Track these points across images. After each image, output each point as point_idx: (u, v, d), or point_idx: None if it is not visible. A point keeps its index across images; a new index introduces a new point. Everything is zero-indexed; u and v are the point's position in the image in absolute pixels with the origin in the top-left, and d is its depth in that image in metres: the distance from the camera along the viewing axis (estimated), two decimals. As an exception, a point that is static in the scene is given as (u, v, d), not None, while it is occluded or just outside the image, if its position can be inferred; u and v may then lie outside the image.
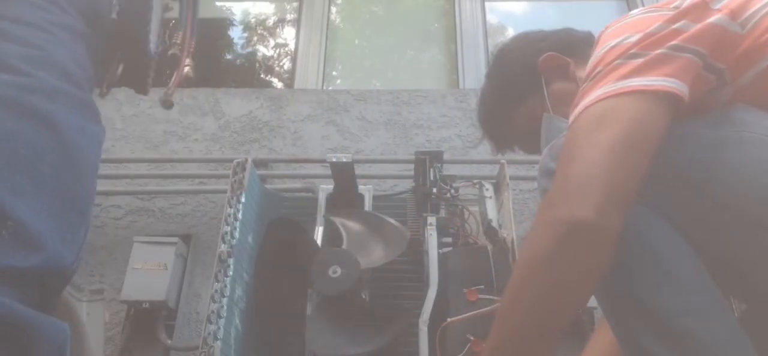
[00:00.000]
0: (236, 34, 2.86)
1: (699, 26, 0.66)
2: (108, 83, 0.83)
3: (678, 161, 0.65)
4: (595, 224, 0.59)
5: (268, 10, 2.89)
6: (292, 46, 2.61)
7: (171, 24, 0.94)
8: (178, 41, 0.92)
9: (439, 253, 1.28)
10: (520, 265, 0.65)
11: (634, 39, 0.68)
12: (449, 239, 1.35)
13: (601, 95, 0.65)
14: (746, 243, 0.62)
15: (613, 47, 0.69)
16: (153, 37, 0.84)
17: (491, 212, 1.39)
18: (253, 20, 2.86)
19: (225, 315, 1.19)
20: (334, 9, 2.67)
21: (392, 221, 1.38)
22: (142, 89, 0.89)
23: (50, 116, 0.58)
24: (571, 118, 0.68)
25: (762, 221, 0.61)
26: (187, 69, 0.93)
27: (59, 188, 0.56)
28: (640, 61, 0.65)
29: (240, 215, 1.31)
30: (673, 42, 0.65)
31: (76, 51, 0.67)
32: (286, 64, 2.65)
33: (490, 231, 1.36)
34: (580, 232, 0.60)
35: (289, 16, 2.78)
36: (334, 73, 2.55)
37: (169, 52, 0.91)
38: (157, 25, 0.85)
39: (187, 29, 0.93)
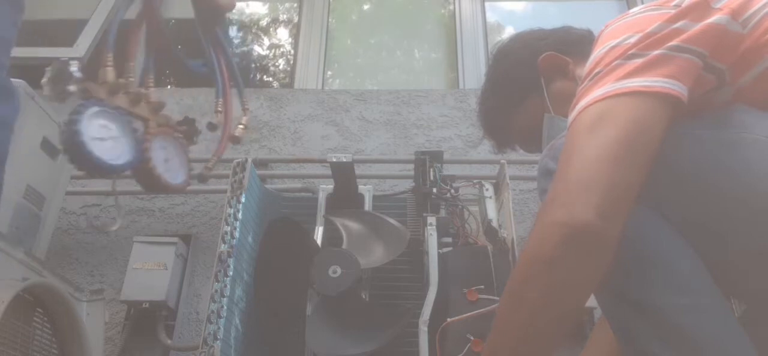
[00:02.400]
0: (236, 34, 2.85)
1: (699, 26, 0.65)
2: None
3: (679, 161, 0.64)
4: (597, 227, 0.59)
5: (268, 10, 2.89)
6: (291, 46, 2.61)
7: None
8: (220, 109, 0.89)
9: (439, 253, 1.28)
10: (521, 266, 0.65)
11: (633, 39, 0.67)
12: (449, 239, 1.35)
13: (600, 95, 0.65)
14: (762, 240, 0.61)
15: (612, 48, 0.69)
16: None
17: (491, 212, 1.39)
18: (252, 20, 2.86)
19: (225, 315, 1.19)
20: (333, 9, 2.67)
21: (392, 221, 1.38)
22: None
23: None
24: (570, 118, 0.68)
25: None
26: (241, 128, 0.90)
27: None
28: (639, 61, 0.65)
29: (240, 215, 1.31)
30: (673, 42, 0.65)
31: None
32: (286, 64, 2.65)
33: (490, 231, 1.36)
34: (582, 235, 0.59)
35: (288, 17, 2.78)
36: (333, 73, 2.55)
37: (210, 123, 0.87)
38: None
39: (226, 97, 0.89)
